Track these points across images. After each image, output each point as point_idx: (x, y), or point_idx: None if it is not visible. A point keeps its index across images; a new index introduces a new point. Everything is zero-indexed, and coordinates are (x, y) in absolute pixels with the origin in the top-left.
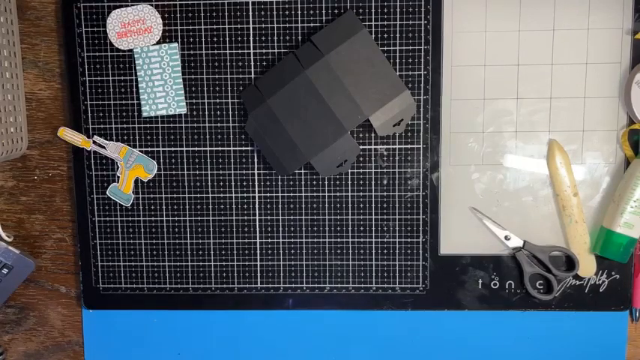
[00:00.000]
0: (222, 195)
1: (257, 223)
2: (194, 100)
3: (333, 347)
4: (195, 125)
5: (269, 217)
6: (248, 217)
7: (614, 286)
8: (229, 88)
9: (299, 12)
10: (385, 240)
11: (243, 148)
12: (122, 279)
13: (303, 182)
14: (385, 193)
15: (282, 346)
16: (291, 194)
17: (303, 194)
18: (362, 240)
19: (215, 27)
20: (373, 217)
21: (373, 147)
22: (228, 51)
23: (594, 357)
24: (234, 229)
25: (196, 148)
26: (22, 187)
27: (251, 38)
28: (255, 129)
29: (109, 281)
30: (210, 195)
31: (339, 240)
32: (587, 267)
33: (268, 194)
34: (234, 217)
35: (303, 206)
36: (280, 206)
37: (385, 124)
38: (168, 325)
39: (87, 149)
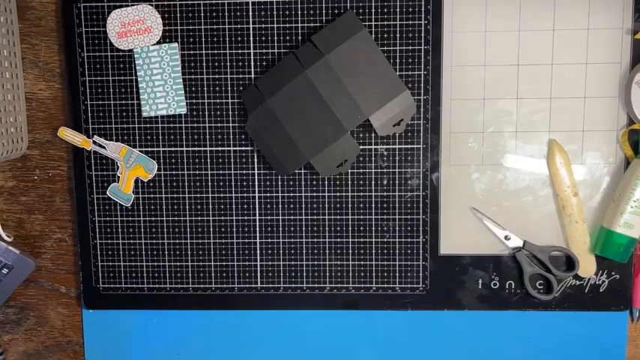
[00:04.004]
0: (222, 195)
1: (257, 223)
2: (194, 100)
3: (333, 347)
4: (195, 125)
5: (269, 217)
6: (248, 217)
7: (614, 286)
8: (229, 88)
9: (299, 12)
10: (385, 240)
11: (243, 148)
12: (122, 279)
13: (303, 182)
14: (385, 193)
15: (282, 346)
16: (291, 194)
17: (303, 194)
18: (362, 240)
19: (215, 27)
20: (373, 217)
21: (373, 147)
22: (228, 51)
23: (594, 357)
24: (234, 229)
25: (196, 148)
26: (22, 187)
27: (251, 38)
28: (255, 129)
29: (109, 281)
30: (210, 195)
31: (339, 240)
32: (587, 267)
33: (268, 194)
34: (234, 217)
35: (303, 206)
36: (280, 206)
37: (385, 124)
38: (168, 325)
39: (87, 149)
